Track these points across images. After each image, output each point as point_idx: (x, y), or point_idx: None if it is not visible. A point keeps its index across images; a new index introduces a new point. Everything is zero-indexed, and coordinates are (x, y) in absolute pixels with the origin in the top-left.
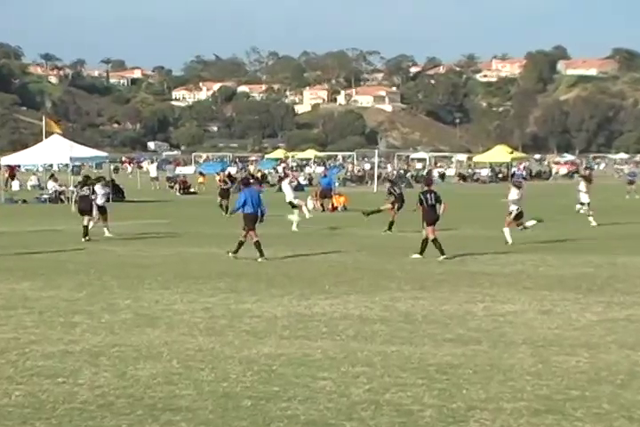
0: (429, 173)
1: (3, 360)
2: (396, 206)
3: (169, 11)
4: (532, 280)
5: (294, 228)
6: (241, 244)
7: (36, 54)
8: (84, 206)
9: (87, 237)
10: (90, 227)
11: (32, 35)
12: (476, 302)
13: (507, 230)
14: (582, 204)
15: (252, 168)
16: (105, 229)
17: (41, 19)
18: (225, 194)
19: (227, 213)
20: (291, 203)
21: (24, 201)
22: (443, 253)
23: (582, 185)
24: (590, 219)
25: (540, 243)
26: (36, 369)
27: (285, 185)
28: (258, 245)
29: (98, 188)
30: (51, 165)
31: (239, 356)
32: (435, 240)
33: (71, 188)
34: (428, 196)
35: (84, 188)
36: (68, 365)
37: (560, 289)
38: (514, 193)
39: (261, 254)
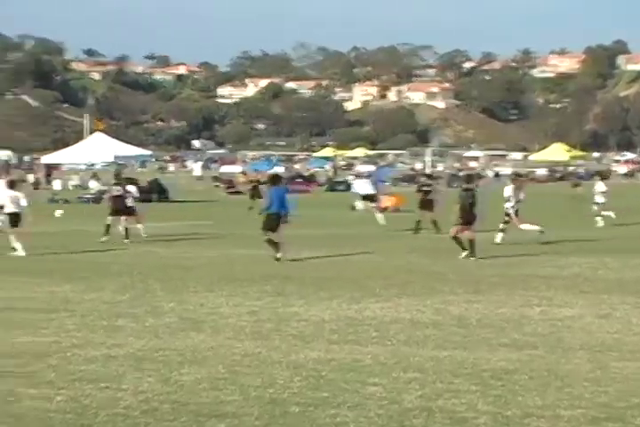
0: (482, 170)
1: (44, 365)
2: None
3: (215, 5)
4: (589, 283)
5: (380, 220)
6: (276, 245)
7: (78, 50)
8: (119, 206)
9: (106, 237)
10: (116, 227)
11: (75, 30)
12: (532, 306)
13: (526, 226)
14: (597, 204)
15: (297, 167)
16: (139, 230)
17: (84, 13)
18: (254, 194)
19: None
20: (365, 197)
21: (66, 201)
22: (465, 250)
23: (600, 185)
24: (598, 219)
25: (596, 243)
26: (79, 374)
27: (365, 181)
28: (270, 242)
29: (131, 187)
30: (93, 164)
31: (286, 361)
32: (455, 238)
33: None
34: (468, 194)
35: (117, 187)
36: (111, 369)
37: (619, 292)
38: (508, 189)
39: (277, 251)
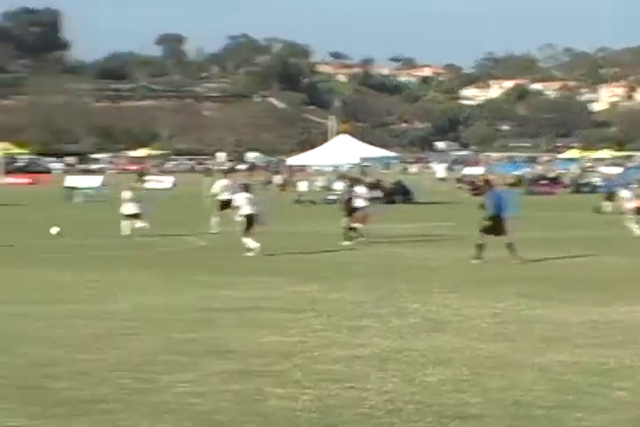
0: None
1: (291, 364)
2: None
3: (459, 5)
4: None
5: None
6: (482, 250)
7: (325, 53)
8: (349, 208)
9: (352, 241)
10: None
11: (322, 33)
12: None
13: None
14: None
15: (542, 168)
16: (358, 230)
17: (330, 16)
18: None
19: None
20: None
21: (312, 202)
22: None
23: None
24: None
25: None
26: (324, 373)
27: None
28: (480, 247)
29: (359, 188)
30: (339, 166)
31: (530, 363)
32: None
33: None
34: None
35: (351, 189)
36: (356, 369)
37: None
38: None
39: (514, 256)
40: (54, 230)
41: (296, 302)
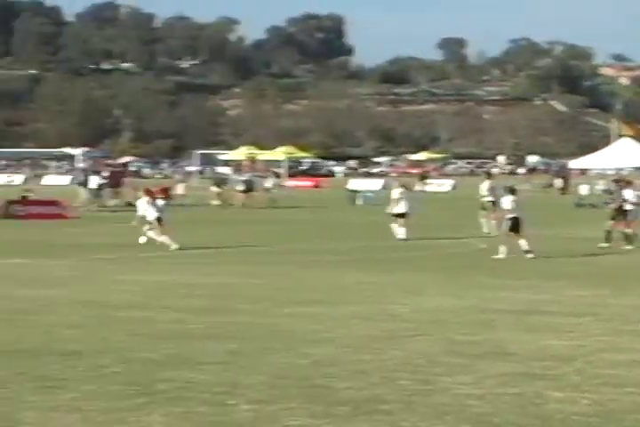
0: None
1: (570, 368)
2: None
3: None
4: None
5: None
6: None
7: (607, 55)
8: (618, 212)
9: (606, 244)
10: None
11: (605, 35)
12: None
13: None
14: None
15: None
16: (632, 236)
17: (613, 18)
18: None
19: None
20: None
21: (592, 206)
22: None
23: None
24: None
25: None
26: (604, 378)
27: None
28: None
29: (627, 192)
30: (621, 170)
31: None
32: None
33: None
34: None
35: (621, 193)
36: (637, 374)
37: None
38: None
39: None
40: (142, 240)
41: (575, 305)
